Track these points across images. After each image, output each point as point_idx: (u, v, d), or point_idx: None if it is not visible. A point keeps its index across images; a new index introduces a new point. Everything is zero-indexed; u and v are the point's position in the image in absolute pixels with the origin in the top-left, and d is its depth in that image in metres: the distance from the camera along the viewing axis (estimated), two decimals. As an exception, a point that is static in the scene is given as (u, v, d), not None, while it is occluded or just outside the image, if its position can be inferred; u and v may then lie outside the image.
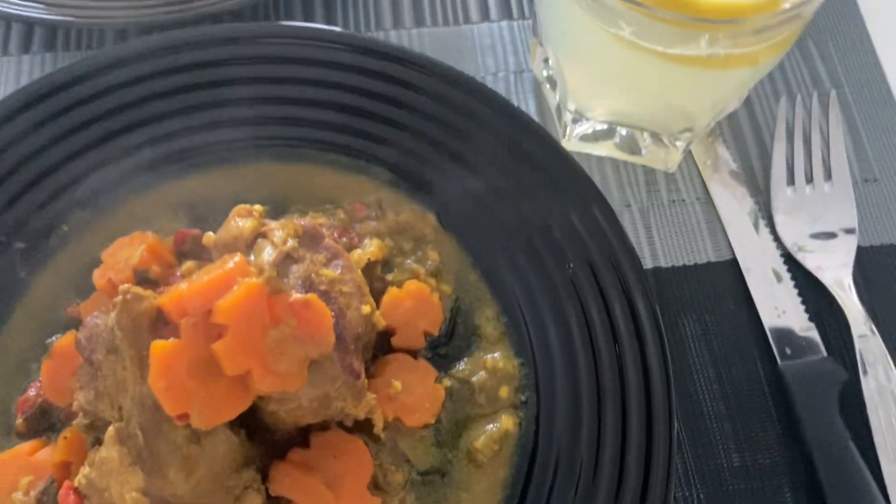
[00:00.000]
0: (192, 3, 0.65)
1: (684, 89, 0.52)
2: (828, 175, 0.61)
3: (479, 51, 0.69)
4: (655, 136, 0.60)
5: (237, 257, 0.46)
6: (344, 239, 0.57)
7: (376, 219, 0.59)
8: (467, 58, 0.68)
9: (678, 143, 0.60)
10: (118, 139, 0.58)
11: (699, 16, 0.48)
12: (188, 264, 0.52)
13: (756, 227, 0.61)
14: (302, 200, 0.60)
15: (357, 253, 0.55)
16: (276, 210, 0.59)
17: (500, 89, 0.67)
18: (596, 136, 0.63)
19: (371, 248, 0.56)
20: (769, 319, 0.57)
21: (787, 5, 0.46)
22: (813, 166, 0.62)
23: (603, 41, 0.50)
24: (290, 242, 0.49)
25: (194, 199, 0.59)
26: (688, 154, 0.64)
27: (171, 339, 0.43)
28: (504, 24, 0.70)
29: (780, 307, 0.58)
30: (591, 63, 0.54)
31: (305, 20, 0.69)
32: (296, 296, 0.45)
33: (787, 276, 0.59)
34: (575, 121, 0.61)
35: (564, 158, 0.58)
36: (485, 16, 0.71)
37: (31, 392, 0.52)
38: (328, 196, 0.60)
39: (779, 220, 0.60)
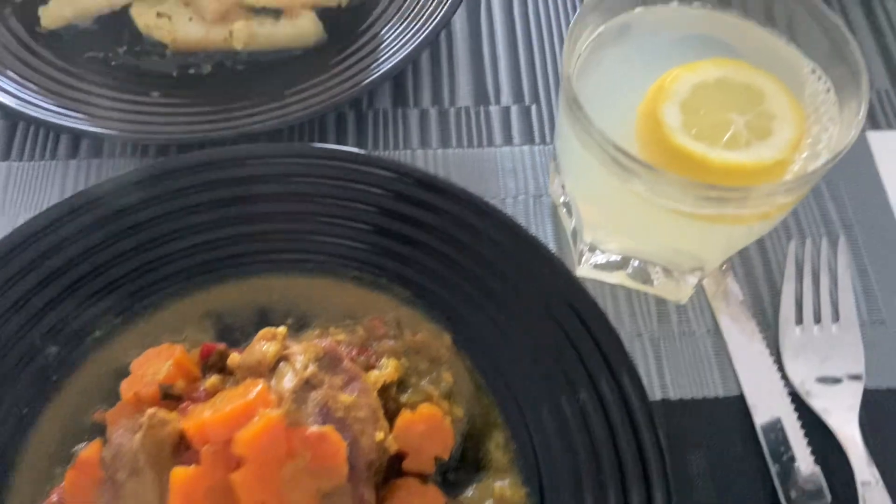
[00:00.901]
0: (230, 122, 0.68)
1: (695, 239, 0.55)
2: (836, 316, 0.63)
3: (501, 173, 0.72)
4: (667, 271, 0.63)
5: (259, 386, 0.48)
6: (362, 357, 0.59)
7: (394, 337, 0.61)
8: (489, 179, 0.71)
9: (689, 279, 0.62)
10: (153, 249, 0.61)
11: (710, 180, 0.50)
12: (212, 379, 0.54)
13: (764, 364, 0.62)
14: (324, 315, 0.63)
15: (374, 374, 0.57)
16: (299, 323, 0.62)
17: (520, 212, 0.70)
18: (609, 266, 0.65)
19: (387, 370, 0.57)
20: (775, 460, 0.58)
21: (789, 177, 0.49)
22: (821, 307, 0.63)
23: (616, 190, 0.53)
24: (311, 368, 0.51)
25: (222, 310, 0.62)
26: (699, 285, 0.66)
27: (192, 466, 0.45)
28: (526, 148, 0.73)
29: (786, 448, 0.58)
30: (604, 206, 0.56)
31: (338, 140, 0.72)
32: (312, 429, 0.46)
33: (793, 416, 0.60)
34: (590, 250, 0.64)
35: (576, 289, 0.60)
36: (507, 139, 0.74)
37: (54, 498, 0.53)
38: (349, 311, 0.63)
39: (787, 358, 0.62)
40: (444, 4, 0.75)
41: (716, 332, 0.64)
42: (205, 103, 0.71)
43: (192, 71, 0.74)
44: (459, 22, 0.81)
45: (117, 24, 0.75)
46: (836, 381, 0.60)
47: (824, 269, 0.64)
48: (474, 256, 0.62)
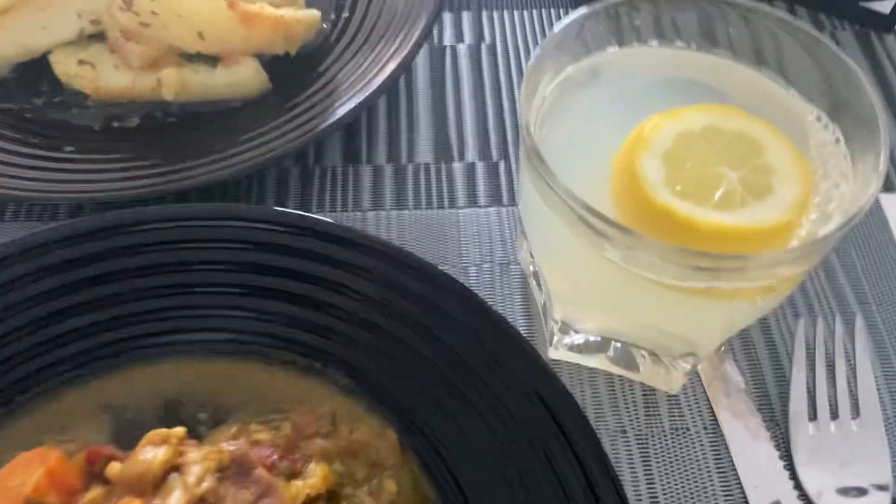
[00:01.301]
0: (149, 179, 0.60)
1: (685, 318, 0.45)
2: (855, 412, 0.53)
3: (464, 238, 0.63)
4: (654, 355, 0.53)
5: (133, 509, 0.38)
6: (285, 462, 0.49)
7: (327, 436, 0.51)
8: (450, 245, 0.62)
9: (680, 365, 0.52)
10: (41, 329, 0.52)
11: (698, 247, 0.41)
12: (91, 494, 0.44)
13: (773, 469, 0.51)
14: (246, 408, 0.52)
15: (297, 485, 0.47)
16: (216, 416, 0.52)
17: (484, 283, 0.60)
18: (587, 348, 0.55)
19: (314, 479, 0.47)
20: (789, 591, 0.47)
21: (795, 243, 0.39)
22: (838, 400, 0.53)
23: (587, 259, 0.43)
24: (207, 482, 0.41)
25: (123, 402, 0.52)
26: (692, 372, 0.56)
27: None
28: (493, 210, 0.64)
29: (802, 575, 0.48)
30: (575, 278, 0.47)
31: (278, 201, 0.64)
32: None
33: (810, 534, 0.49)
34: (561, 330, 0.54)
35: (547, 377, 0.50)
36: (472, 200, 0.65)
37: None
38: (276, 403, 0.53)
39: (800, 462, 0.51)
40: (404, 50, 0.67)
41: (714, 428, 0.54)
42: (125, 159, 0.62)
43: (116, 124, 0.66)
44: (421, 70, 0.73)
45: (36, 72, 0.67)
46: (861, 492, 0.49)
47: (840, 355, 0.54)
48: (426, 336, 0.53)
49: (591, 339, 0.54)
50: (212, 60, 0.67)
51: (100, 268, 0.53)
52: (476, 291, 0.52)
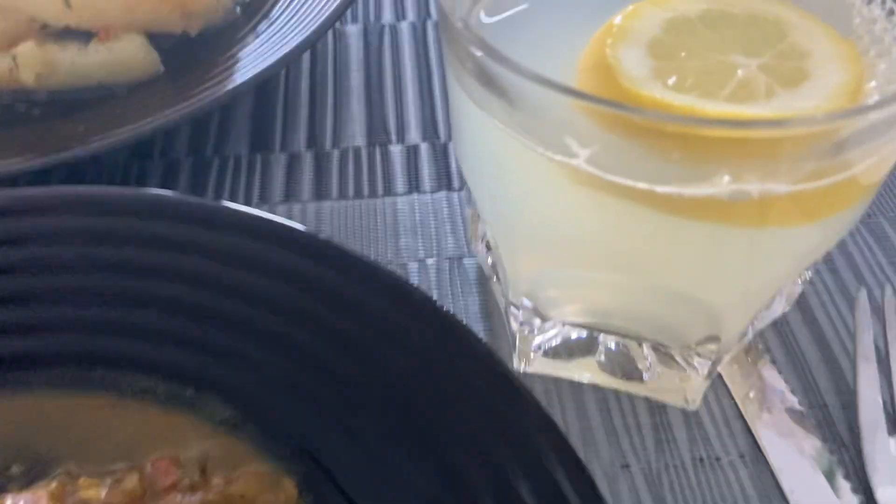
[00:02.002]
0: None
1: (692, 262, 0.30)
2: (957, 417, 0.37)
3: (402, 230, 0.48)
4: (661, 351, 0.37)
5: None
6: (118, 531, 0.33)
7: (192, 489, 0.35)
8: (383, 238, 0.48)
9: (698, 363, 0.36)
10: None
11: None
12: None
13: (846, 507, 0.35)
14: (80, 455, 0.37)
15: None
16: (33, 472, 0.36)
17: (430, 281, 0.45)
18: (569, 350, 0.40)
19: (151, 553, 0.31)
20: None
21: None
22: (929, 401, 0.37)
23: (548, 181, 0.29)
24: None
25: None
26: (717, 381, 0.40)
27: None
28: (441, 195, 0.50)
29: None
30: (536, 219, 0.32)
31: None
32: None
33: None
34: (529, 323, 0.38)
35: (510, 387, 0.35)
36: (414, 186, 0.51)
37: None
38: (126, 447, 0.37)
39: (882, 497, 0.35)
40: (324, 14, 0.55)
41: (755, 456, 0.38)
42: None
43: (-35, 118, 0.53)
44: (355, 52, 0.61)
45: None
46: None
47: (922, 335, 0.39)
48: (342, 347, 0.37)
49: (573, 336, 0.39)
50: (87, 37, 0.54)
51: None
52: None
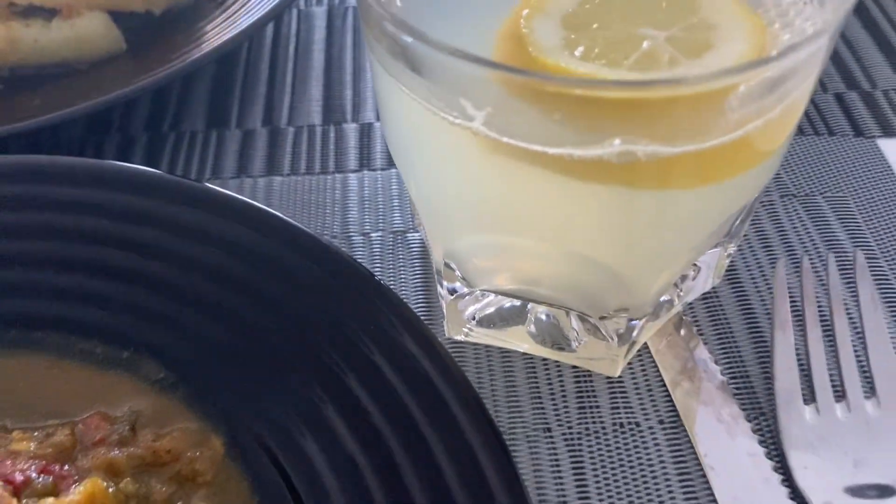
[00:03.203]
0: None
1: (591, 225, 0.31)
2: (869, 387, 0.38)
3: (352, 204, 0.49)
4: (587, 321, 0.38)
5: None
6: (43, 477, 0.34)
7: (120, 444, 0.36)
8: (332, 212, 0.49)
9: (615, 332, 0.37)
10: None
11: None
12: None
13: (760, 474, 0.36)
14: (15, 412, 0.38)
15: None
16: (-29, 427, 0.37)
17: (373, 254, 0.46)
18: (501, 318, 0.41)
19: (70, 498, 0.32)
20: None
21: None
22: (843, 372, 0.38)
23: (450, 143, 0.30)
24: None
25: None
26: (644, 350, 0.41)
27: None
28: (393, 172, 0.51)
29: None
30: (446, 186, 0.33)
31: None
32: None
33: (818, 561, 0.33)
34: (457, 292, 0.39)
35: (429, 352, 0.36)
36: (366, 163, 0.52)
37: None
38: (63, 405, 0.38)
39: (795, 461, 0.36)
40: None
41: (674, 422, 0.39)
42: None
43: (-73, 94, 0.54)
44: (318, 32, 0.62)
45: None
46: (883, 490, 0.34)
47: (838, 307, 0.39)
48: (271, 309, 0.39)
49: (505, 305, 0.40)
50: (50, 14, 0.55)
51: None
52: (360, 262, 0.39)
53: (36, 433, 0.36)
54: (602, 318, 0.37)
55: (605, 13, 0.33)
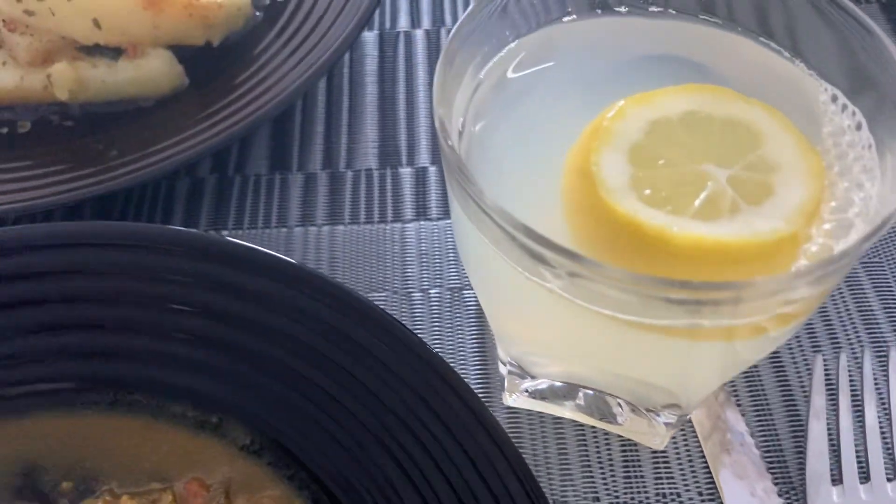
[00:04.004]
0: (40, 190, 0.50)
1: (658, 365, 0.34)
2: (893, 471, 0.41)
3: (409, 258, 0.52)
4: (632, 405, 0.42)
5: None
6: (155, 546, 0.39)
7: (218, 511, 0.41)
8: (391, 266, 0.52)
9: (663, 419, 0.41)
10: None
11: (674, 269, 0.31)
12: None
13: (786, 550, 0.40)
14: (122, 474, 0.42)
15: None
16: (81, 488, 0.42)
17: (431, 312, 0.49)
18: (552, 394, 0.44)
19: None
20: None
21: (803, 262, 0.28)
22: (870, 456, 0.42)
23: (530, 291, 0.33)
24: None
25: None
26: (685, 422, 0.45)
27: None
28: (446, 223, 0.54)
29: None
30: (519, 314, 0.36)
31: (188, 217, 0.54)
32: None
33: None
34: (516, 374, 0.43)
35: (485, 423, 0.39)
36: (422, 212, 0.54)
37: None
38: (160, 468, 0.43)
39: (821, 538, 0.40)
40: (343, 34, 0.57)
41: (712, 494, 0.43)
42: (11, 170, 0.53)
43: (4, 130, 0.56)
44: (370, 62, 0.63)
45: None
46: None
47: (870, 398, 0.43)
48: (346, 381, 0.42)
49: (556, 384, 0.43)
50: (116, 52, 0.57)
51: None
52: (419, 321, 0.43)
53: (141, 498, 0.41)
54: (649, 409, 0.40)
55: (669, 146, 0.35)
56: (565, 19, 0.40)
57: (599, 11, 0.40)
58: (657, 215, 0.33)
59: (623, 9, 0.40)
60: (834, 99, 0.36)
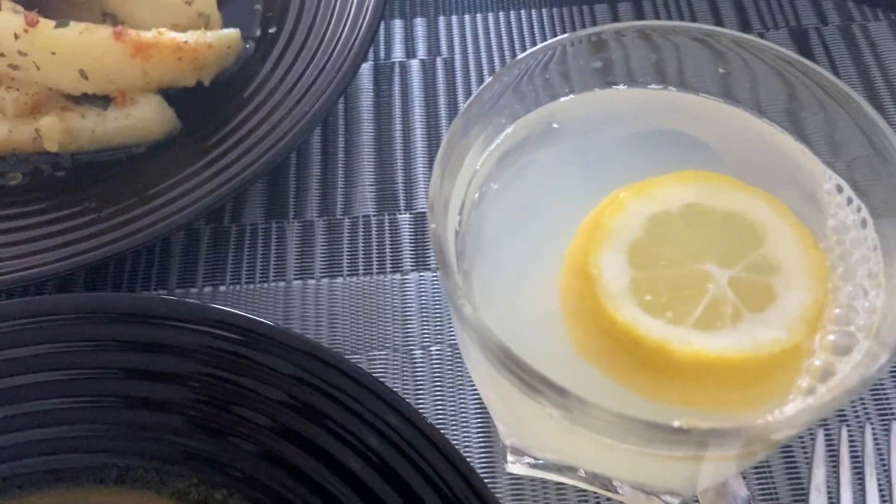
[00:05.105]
0: (34, 256, 0.50)
1: (655, 476, 0.34)
2: (893, 543, 0.42)
3: (409, 312, 0.52)
4: (633, 483, 0.42)
5: None
6: None
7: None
8: (391, 322, 0.51)
9: (666, 499, 0.41)
10: None
11: (674, 381, 0.30)
12: None
13: None
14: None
15: None
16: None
17: (433, 370, 0.49)
18: (553, 467, 0.44)
19: None
20: None
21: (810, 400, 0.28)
22: (871, 528, 0.42)
23: (526, 404, 0.32)
24: None
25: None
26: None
27: None
28: (445, 273, 0.53)
29: None
30: (516, 417, 0.36)
31: (183, 272, 0.53)
32: None
33: None
34: (518, 451, 0.43)
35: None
36: (422, 262, 0.54)
37: None
38: (167, 546, 0.43)
39: None
40: (340, 71, 0.55)
41: (712, 559, 0.43)
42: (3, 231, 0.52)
43: (-5, 182, 0.56)
44: (365, 95, 0.62)
45: None
46: None
47: (871, 472, 0.43)
48: (356, 453, 0.42)
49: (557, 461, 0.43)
50: (105, 100, 0.56)
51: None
52: (421, 381, 0.43)
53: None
54: (650, 493, 0.40)
55: (670, 244, 0.35)
56: (561, 98, 0.39)
57: (596, 89, 0.39)
58: (657, 326, 0.32)
59: (621, 86, 0.39)
60: (839, 189, 0.35)
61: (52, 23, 0.51)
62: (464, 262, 0.36)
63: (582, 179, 0.38)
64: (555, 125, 0.39)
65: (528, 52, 0.36)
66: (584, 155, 0.39)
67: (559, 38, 0.36)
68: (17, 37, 0.51)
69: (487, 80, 0.35)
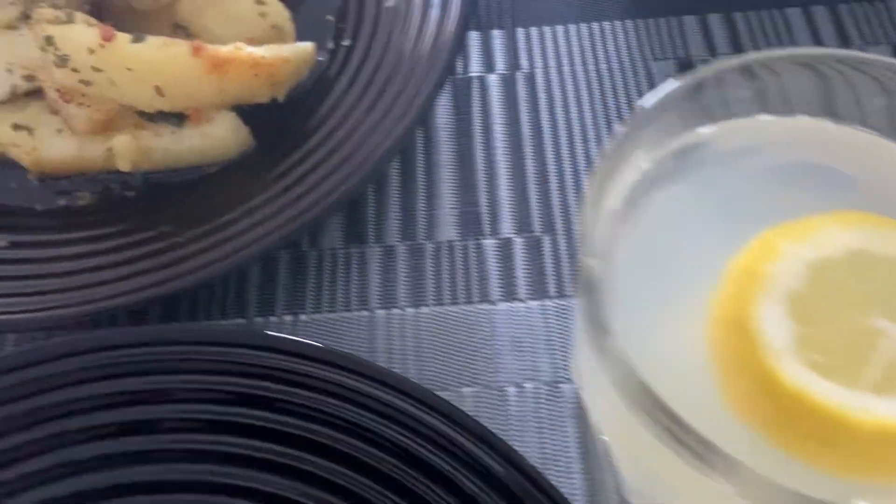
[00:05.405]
0: (106, 286, 0.47)
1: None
2: None
3: (500, 346, 0.49)
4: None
5: None
6: None
7: None
8: (482, 357, 0.49)
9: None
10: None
11: (852, 451, 0.27)
12: None
13: None
14: None
15: None
16: None
17: (526, 411, 0.46)
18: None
19: None
20: None
21: None
22: None
23: (681, 476, 0.30)
24: None
25: None
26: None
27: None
28: (535, 304, 0.50)
29: None
30: (662, 486, 0.33)
31: (262, 302, 0.51)
32: None
33: None
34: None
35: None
36: (510, 292, 0.51)
37: None
38: None
39: None
40: (422, 88, 0.53)
41: None
42: (72, 257, 0.50)
43: (63, 202, 0.53)
44: (442, 112, 0.59)
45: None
46: None
47: None
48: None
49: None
50: (178, 117, 0.53)
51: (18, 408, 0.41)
52: (515, 421, 0.40)
53: None
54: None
55: (834, 294, 0.32)
56: (698, 129, 0.36)
57: (736, 119, 0.36)
58: (832, 390, 0.29)
59: (764, 116, 0.36)
60: None
61: (128, 37, 0.49)
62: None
63: (722, 217, 0.35)
64: (689, 158, 0.36)
65: (667, 83, 0.33)
66: (723, 188, 0.36)
67: (705, 69, 0.34)
68: (91, 51, 0.48)
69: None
